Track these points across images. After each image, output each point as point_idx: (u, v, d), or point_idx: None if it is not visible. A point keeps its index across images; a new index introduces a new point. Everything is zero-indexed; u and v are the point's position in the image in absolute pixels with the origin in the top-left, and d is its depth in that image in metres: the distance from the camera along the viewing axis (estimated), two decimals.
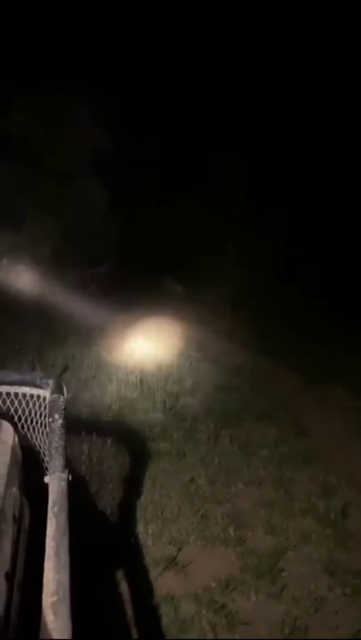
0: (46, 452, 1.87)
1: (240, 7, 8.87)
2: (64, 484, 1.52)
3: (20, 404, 2.00)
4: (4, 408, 1.99)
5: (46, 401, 1.93)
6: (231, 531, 3.19)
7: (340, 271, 8.01)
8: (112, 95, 7.64)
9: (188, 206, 8.40)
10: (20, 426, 2.01)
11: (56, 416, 1.76)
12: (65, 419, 1.80)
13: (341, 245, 8.38)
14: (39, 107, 6.65)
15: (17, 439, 1.94)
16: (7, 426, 1.93)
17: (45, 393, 1.95)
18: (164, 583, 2.80)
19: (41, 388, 1.97)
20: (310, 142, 8.99)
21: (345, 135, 8.79)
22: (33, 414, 1.99)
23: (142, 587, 2.76)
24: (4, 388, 1.98)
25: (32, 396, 2.00)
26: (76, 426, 3.86)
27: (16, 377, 2.03)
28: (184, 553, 3.02)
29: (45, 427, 1.88)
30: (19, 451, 1.92)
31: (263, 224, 8.52)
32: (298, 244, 8.47)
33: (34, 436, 2.02)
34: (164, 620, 2.59)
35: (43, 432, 1.94)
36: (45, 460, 1.90)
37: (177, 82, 8.64)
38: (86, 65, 7.70)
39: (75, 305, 6.65)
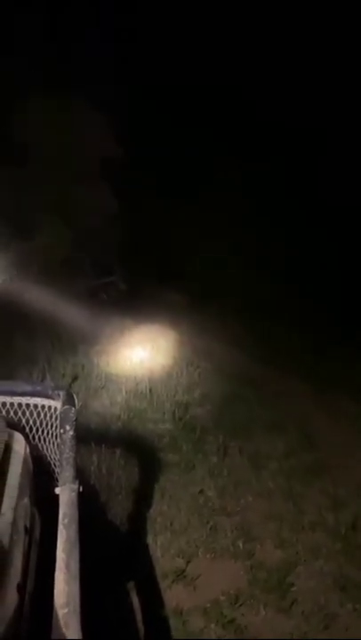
0: (57, 463, 1.88)
1: (238, 12, 8.93)
2: (74, 495, 1.53)
3: (31, 414, 2.01)
4: (16, 419, 2.00)
5: (57, 412, 1.94)
6: (240, 544, 3.17)
7: (350, 279, 7.99)
8: (114, 96, 7.71)
9: (190, 210, 8.45)
10: (31, 436, 2.02)
11: (67, 427, 1.78)
12: (76, 430, 1.81)
13: (348, 250, 8.37)
14: (45, 111, 6.71)
15: (28, 450, 1.95)
16: (19, 437, 1.94)
17: (57, 404, 1.96)
18: (172, 596, 2.78)
19: (52, 398, 1.98)
20: (311, 143, 9.00)
21: (346, 136, 8.78)
22: (44, 425, 2.00)
23: (151, 599, 2.75)
24: (16, 399, 1.99)
25: (43, 406, 2.01)
26: (85, 436, 3.86)
27: (27, 388, 2.05)
28: (193, 565, 3.00)
29: (56, 437, 1.89)
30: (30, 461, 1.93)
31: (267, 228, 8.54)
32: (305, 249, 8.47)
33: (45, 447, 2.03)
34: (173, 634, 2.57)
35: (54, 443, 1.96)
36: (56, 470, 1.91)
37: (177, 83, 8.69)
38: (90, 67, 7.79)
39: (84, 314, 6.68)
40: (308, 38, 8.89)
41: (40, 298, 6.29)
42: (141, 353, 5.98)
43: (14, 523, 1.50)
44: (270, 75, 8.92)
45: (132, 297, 7.61)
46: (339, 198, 8.61)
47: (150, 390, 5.07)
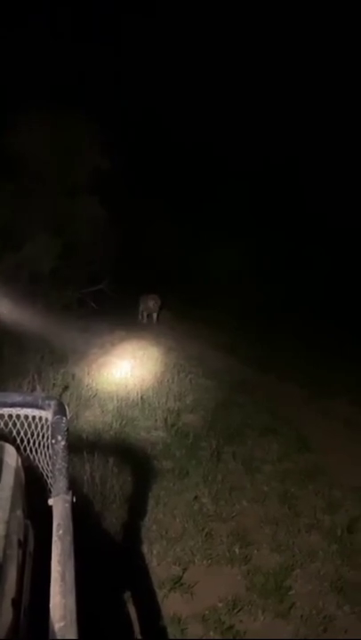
0: (49, 474, 1.85)
1: (236, 35, 9.13)
2: (68, 505, 1.50)
3: (22, 425, 1.98)
4: (7, 430, 1.98)
5: (48, 422, 1.92)
6: (236, 549, 3.16)
7: (347, 287, 8.08)
8: (116, 116, 7.81)
9: (190, 221, 8.49)
10: (22, 448, 1.99)
11: (59, 437, 1.75)
12: (68, 440, 1.79)
13: (345, 261, 8.47)
14: (40, 126, 6.69)
15: (20, 461, 1.92)
16: (10, 448, 1.91)
17: (47, 414, 1.93)
18: (170, 604, 2.76)
19: (43, 409, 1.95)
20: (310, 161, 9.20)
21: (342, 154, 9.01)
22: (35, 436, 1.97)
23: (149, 608, 2.72)
24: (6, 410, 1.96)
25: (34, 417, 1.98)
26: (78, 445, 3.83)
27: (18, 398, 2.02)
28: (189, 573, 2.98)
29: (48, 448, 1.86)
30: (22, 473, 1.90)
31: (264, 240, 8.61)
32: (302, 258, 8.55)
33: (36, 458, 2.00)
34: None
35: (45, 454, 1.93)
36: (49, 481, 1.89)
37: (179, 107, 8.85)
38: (88, 84, 7.86)
39: (73, 323, 6.65)
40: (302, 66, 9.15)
41: (29, 308, 6.26)
42: (132, 361, 5.96)
43: (7, 536, 1.47)
44: (267, 99, 9.17)
45: (122, 305, 7.59)
46: (334, 213, 8.78)
47: (142, 398, 5.06)
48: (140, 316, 7.51)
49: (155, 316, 7.45)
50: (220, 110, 9.39)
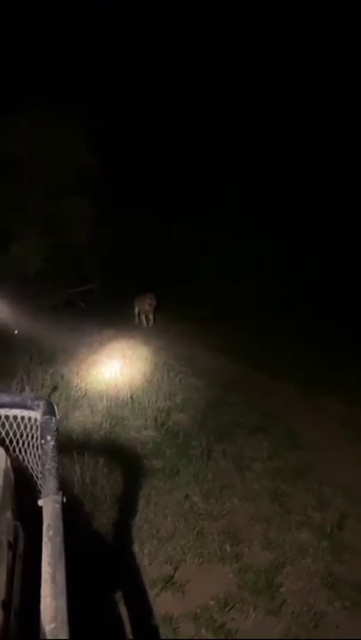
0: (39, 475, 1.84)
1: (236, 35, 9.15)
2: (58, 506, 1.49)
3: (10, 426, 1.97)
4: None
5: (38, 422, 1.90)
6: (228, 547, 3.16)
7: (342, 286, 8.11)
8: (116, 116, 7.79)
9: (190, 221, 8.48)
10: (11, 449, 1.97)
11: (48, 438, 1.74)
12: (57, 440, 1.78)
13: (342, 261, 8.51)
14: (28, 125, 6.63)
15: (9, 462, 1.91)
16: None
17: (36, 415, 1.92)
18: (162, 603, 2.76)
19: (32, 409, 1.94)
20: (310, 161, 9.26)
21: (342, 154, 9.07)
22: (24, 436, 1.95)
23: (140, 608, 2.72)
24: None
25: (23, 418, 1.96)
26: (68, 446, 3.82)
27: (6, 399, 2.00)
28: (181, 572, 2.98)
29: (37, 449, 1.85)
30: (11, 474, 1.89)
31: (266, 238, 8.62)
32: (303, 259, 8.57)
33: (26, 459, 1.98)
34: None
35: (35, 454, 1.91)
36: (38, 482, 1.87)
37: (178, 105, 8.87)
38: (88, 84, 7.82)
39: (62, 324, 6.62)
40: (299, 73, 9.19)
41: (17, 308, 6.22)
42: (121, 360, 5.95)
43: None
44: (265, 102, 9.21)
45: (111, 305, 7.57)
46: (334, 213, 8.84)
47: (131, 397, 5.04)
48: (136, 319, 7.35)
49: (151, 317, 7.32)
50: (220, 110, 9.41)
